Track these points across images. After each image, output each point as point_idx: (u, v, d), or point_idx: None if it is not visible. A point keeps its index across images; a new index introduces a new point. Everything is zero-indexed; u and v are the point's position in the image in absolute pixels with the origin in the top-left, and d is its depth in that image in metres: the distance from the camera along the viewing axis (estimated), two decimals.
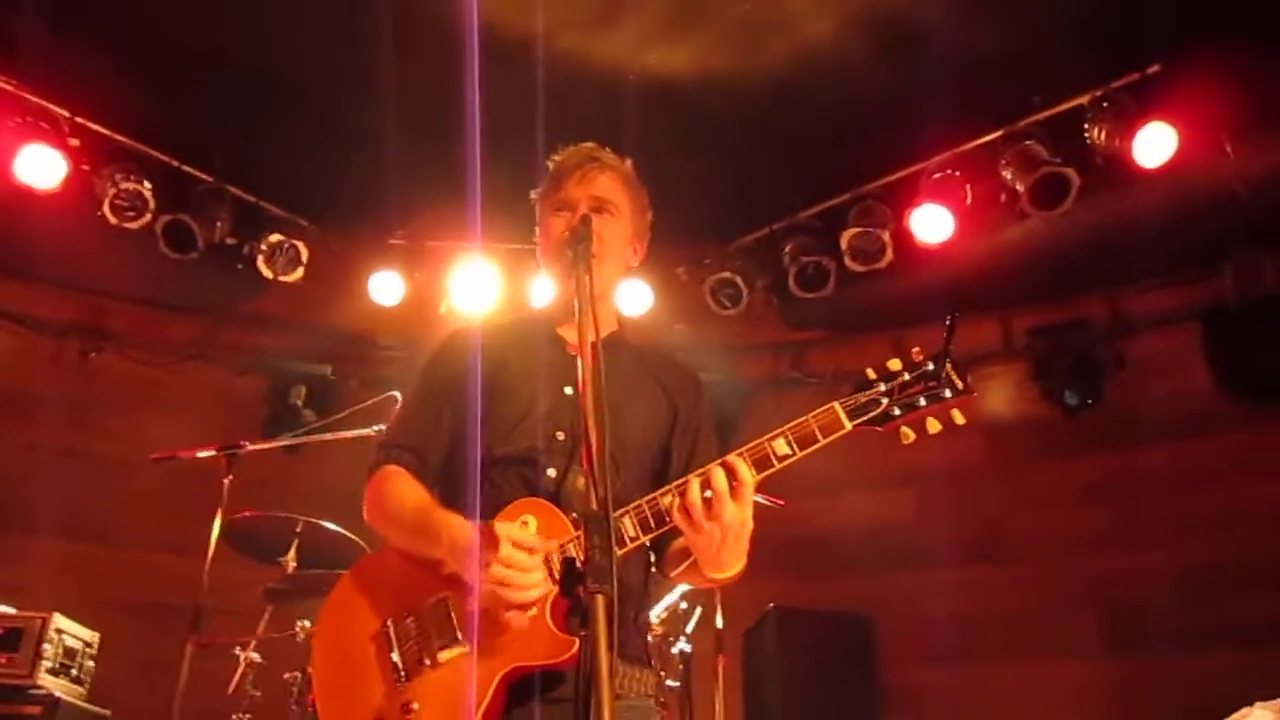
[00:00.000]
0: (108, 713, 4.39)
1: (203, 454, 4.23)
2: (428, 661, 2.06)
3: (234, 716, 4.16)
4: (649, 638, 2.29)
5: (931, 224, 5.54)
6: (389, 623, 2.14)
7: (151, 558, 5.78)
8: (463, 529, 2.06)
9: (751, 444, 2.01)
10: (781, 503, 4.27)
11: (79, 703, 4.19)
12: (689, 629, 4.70)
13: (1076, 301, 6.09)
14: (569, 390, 2.23)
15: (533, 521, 2.05)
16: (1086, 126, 5.10)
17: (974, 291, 5.81)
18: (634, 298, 6.04)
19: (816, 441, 2.00)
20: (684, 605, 4.67)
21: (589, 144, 2.47)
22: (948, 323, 2.01)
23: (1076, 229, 5.40)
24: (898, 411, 2.02)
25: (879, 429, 2.04)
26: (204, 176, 5.81)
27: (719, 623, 4.50)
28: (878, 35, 5.00)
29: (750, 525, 1.98)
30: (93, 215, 5.55)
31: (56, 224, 5.63)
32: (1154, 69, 4.95)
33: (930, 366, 2.02)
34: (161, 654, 4.11)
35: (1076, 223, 5.33)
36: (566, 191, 2.37)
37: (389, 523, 2.25)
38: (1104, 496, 5.67)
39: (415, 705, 2.04)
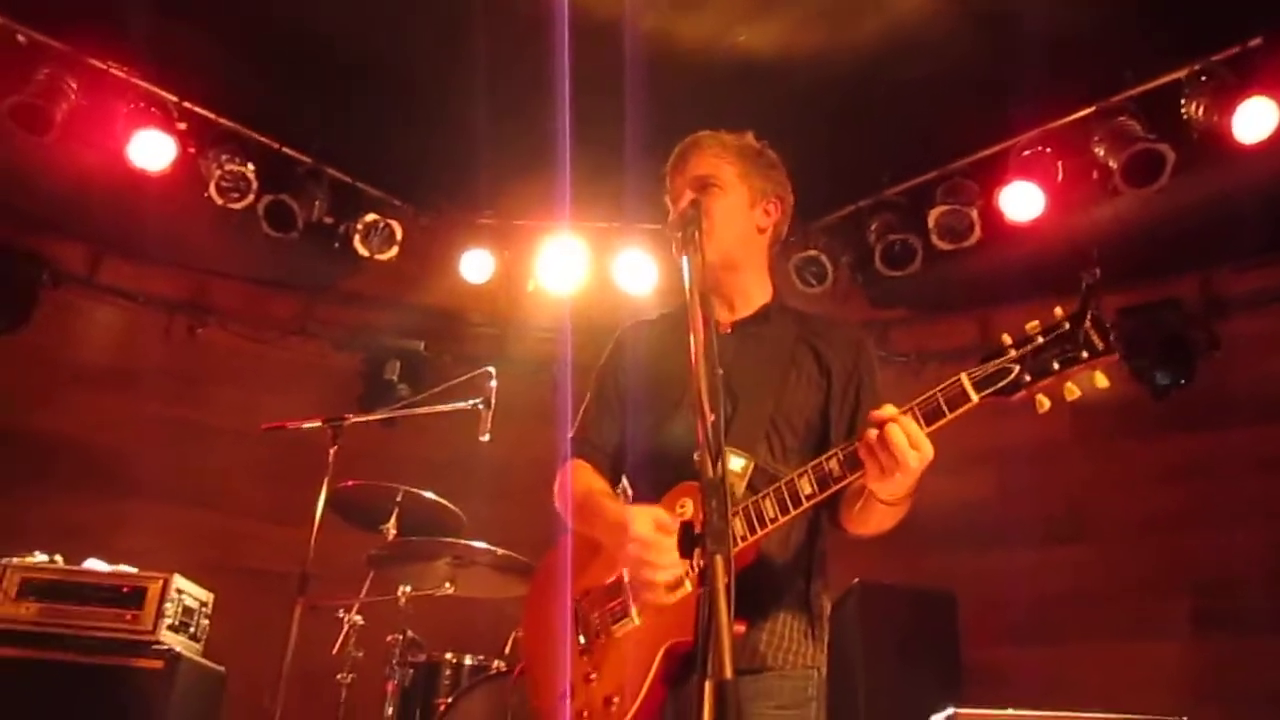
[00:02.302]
0: (223, 668, 4.63)
1: (309, 425, 4.40)
2: (604, 636, 2.22)
3: (338, 675, 4.36)
4: (821, 613, 2.30)
5: (1021, 201, 5.47)
6: (576, 599, 2.31)
7: (258, 526, 6.05)
8: (618, 512, 2.20)
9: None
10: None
11: (197, 658, 4.44)
12: None
13: (1169, 281, 5.97)
14: (720, 371, 2.26)
15: (690, 504, 2.12)
16: (1183, 102, 4.97)
17: (1063, 270, 5.73)
18: None
19: (943, 416, 1.92)
20: None
21: (704, 131, 2.51)
22: (1086, 284, 1.87)
23: (1170, 207, 5.29)
24: (1028, 378, 1.86)
25: (1009, 398, 1.90)
26: (303, 158, 6.00)
27: None
28: (969, 10, 4.95)
29: (931, 456, 1.93)
30: (199, 196, 5.75)
31: (166, 205, 5.88)
32: (1255, 42, 4.81)
33: (1067, 327, 1.85)
34: (270, 616, 4.28)
35: (1170, 200, 5.22)
36: (671, 183, 2.46)
37: (566, 508, 2.41)
38: (1192, 476, 5.58)
39: (594, 676, 2.20)
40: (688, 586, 2.04)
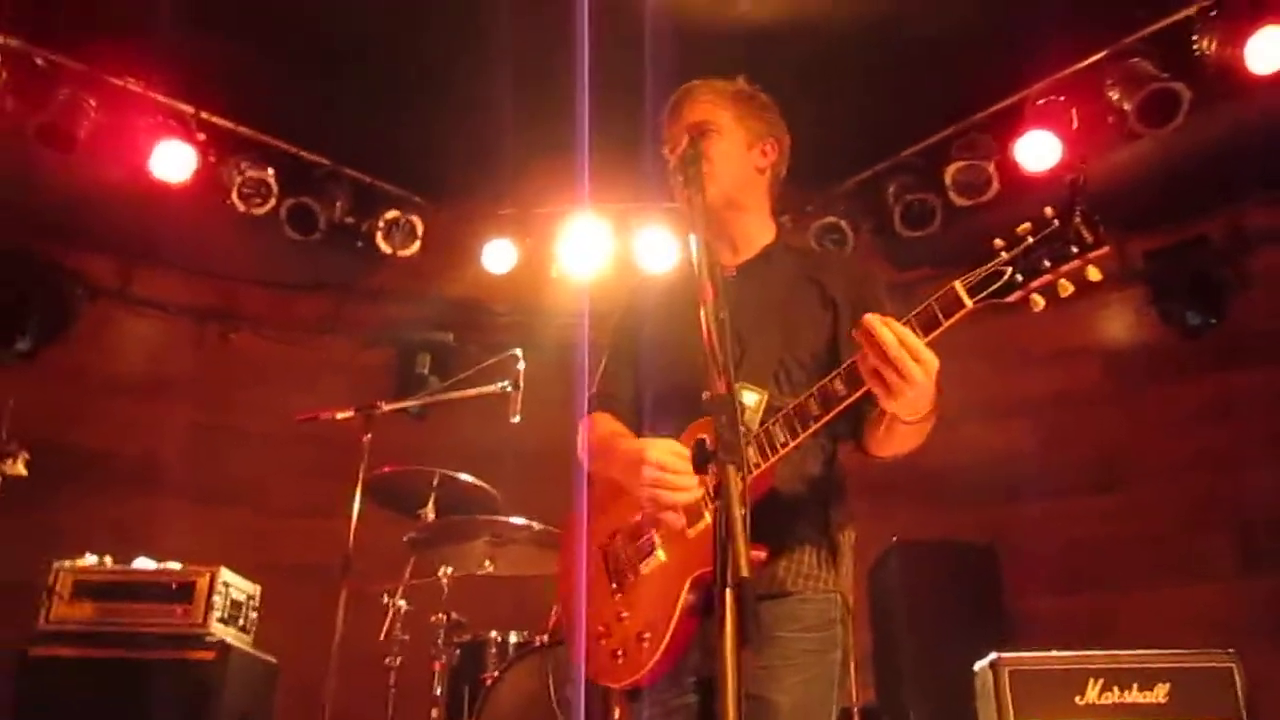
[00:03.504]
0: (273, 659, 4.72)
1: (342, 415, 4.47)
2: (632, 575, 2.26)
3: (386, 659, 4.42)
4: (841, 545, 2.31)
5: (1037, 151, 5.44)
6: (603, 543, 2.35)
7: (298, 521, 6.15)
8: (634, 447, 2.24)
9: None
10: None
11: (248, 649, 4.53)
12: None
13: (1193, 221, 5.91)
14: (724, 314, 2.28)
15: (707, 438, 2.15)
16: (1195, 38, 4.94)
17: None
18: None
19: (939, 324, 1.90)
20: None
21: (694, 80, 2.54)
22: (1072, 181, 1.87)
23: (1189, 146, 5.25)
24: (1021, 278, 1.84)
25: (1005, 300, 1.87)
26: (321, 160, 6.08)
27: None
28: None
29: (935, 365, 1.90)
30: (221, 204, 5.84)
31: (189, 214, 5.99)
32: None
33: (1056, 225, 1.82)
34: (315, 608, 4.35)
35: (1189, 139, 5.17)
36: (669, 131, 2.49)
37: (590, 455, 2.47)
38: (1226, 416, 5.54)
39: (625, 614, 2.24)
40: (708, 518, 2.06)
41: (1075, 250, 1.81)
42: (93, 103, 5.40)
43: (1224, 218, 5.87)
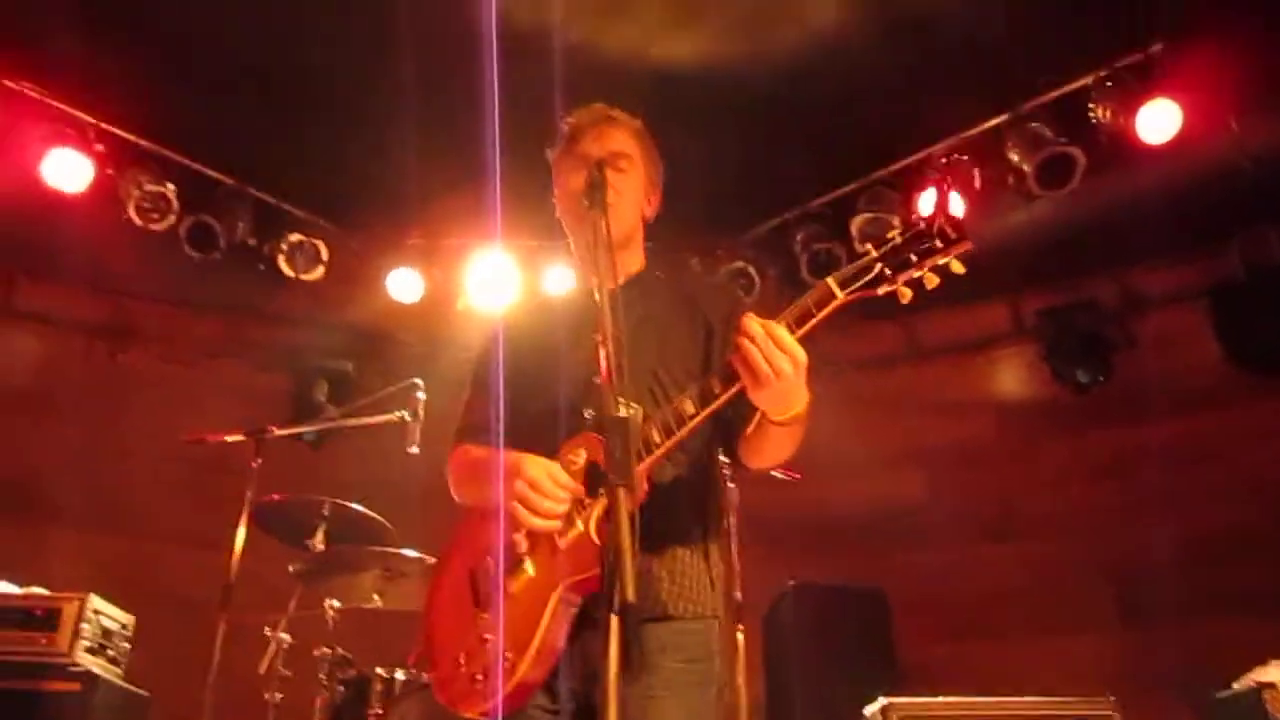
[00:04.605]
0: (145, 692, 4.49)
1: (231, 438, 4.33)
2: (500, 595, 2.20)
3: (266, 695, 4.26)
4: (717, 564, 2.34)
5: (941, 207, 5.61)
6: (471, 568, 2.30)
7: (181, 550, 5.91)
8: (509, 463, 2.20)
9: None
10: (797, 476, 4.34)
11: (117, 681, 4.30)
12: None
13: (1086, 281, 6.16)
14: (598, 336, 2.32)
15: (583, 453, 2.15)
16: (1091, 106, 5.16)
17: (983, 274, 5.86)
18: None
19: (813, 316, 2.00)
20: None
21: (601, 104, 2.58)
22: (937, 189, 2.08)
23: (1084, 209, 5.46)
24: (889, 272, 2.01)
25: (875, 292, 2.02)
26: (225, 178, 5.93)
27: (738, 595, 4.56)
28: (884, 21, 5.06)
29: (804, 360, 1.99)
30: (118, 218, 5.66)
31: (83, 227, 5.76)
32: (1156, 47, 5.00)
33: (922, 226, 2.02)
34: (193, 640, 4.18)
35: (1083, 203, 5.38)
36: (583, 148, 2.47)
37: (461, 486, 2.44)
38: (1116, 472, 5.74)
39: (489, 636, 2.17)
40: (579, 526, 2.07)
41: (940, 245, 1.99)
42: None
43: (1114, 280, 6.11)
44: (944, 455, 5.92)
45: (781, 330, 1.97)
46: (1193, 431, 5.56)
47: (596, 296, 2.33)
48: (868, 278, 2.00)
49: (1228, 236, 5.75)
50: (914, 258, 2.00)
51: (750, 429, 2.20)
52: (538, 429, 2.29)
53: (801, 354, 1.97)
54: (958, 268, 2.00)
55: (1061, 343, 6.06)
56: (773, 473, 4.50)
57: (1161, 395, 5.63)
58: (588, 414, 2.21)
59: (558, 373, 2.31)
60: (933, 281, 2.00)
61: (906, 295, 2.01)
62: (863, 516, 5.96)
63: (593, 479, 1.61)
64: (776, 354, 1.94)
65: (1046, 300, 6.19)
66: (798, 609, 5.15)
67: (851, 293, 2.01)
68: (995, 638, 5.73)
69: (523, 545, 2.17)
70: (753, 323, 1.97)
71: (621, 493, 1.49)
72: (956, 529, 5.99)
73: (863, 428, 6.32)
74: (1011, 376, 6.30)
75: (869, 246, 2.05)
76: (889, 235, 2.03)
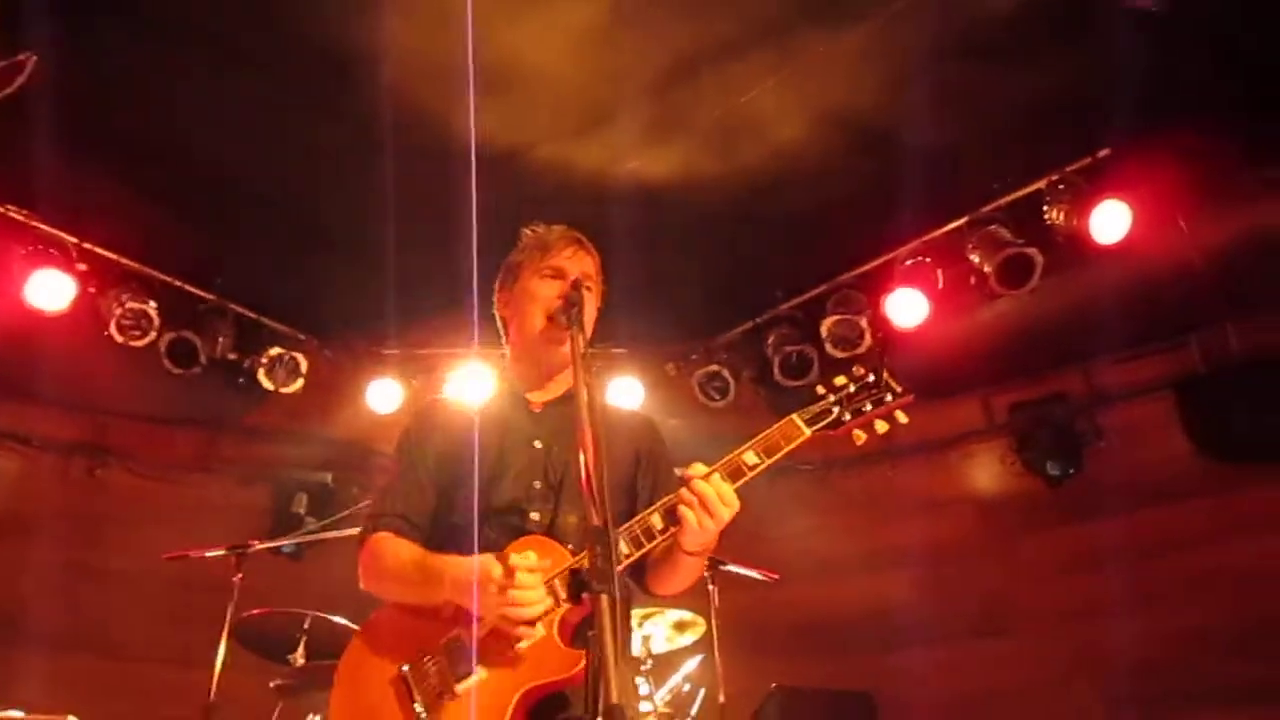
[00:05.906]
0: None
1: (212, 553, 4.33)
2: (447, 696, 2.19)
3: None
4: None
5: (906, 308, 5.75)
6: (406, 669, 2.27)
7: (161, 669, 5.81)
8: (463, 565, 2.23)
9: (725, 459, 2.29)
10: (775, 575, 4.38)
11: None
12: (694, 711, 4.75)
13: (1053, 376, 6.30)
14: (538, 444, 2.49)
15: (532, 555, 2.21)
16: (1045, 208, 5.36)
17: (952, 372, 6.01)
18: (626, 393, 6.23)
19: (781, 449, 2.30)
20: (687, 687, 4.73)
21: (565, 226, 2.72)
22: (874, 348, 2.35)
23: (1045, 306, 5.63)
24: (848, 417, 2.37)
25: (834, 433, 2.37)
26: (206, 295, 6.03)
27: (721, 698, 4.55)
28: (845, 134, 5.25)
29: (737, 508, 2.24)
30: (99, 335, 5.72)
31: (63, 345, 5.80)
32: (1104, 152, 5.24)
33: (871, 378, 2.40)
34: None
35: (1044, 300, 5.55)
36: (560, 261, 2.60)
37: (389, 580, 2.41)
38: (1091, 565, 5.77)
39: None
40: (539, 631, 2.15)
41: (889, 398, 2.38)
42: None
43: (1079, 374, 6.25)
44: (927, 555, 5.96)
45: (725, 487, 2.23)
46: (1162, 521, 5.63)
47: (530, 405, 2.58)
48: (829, 419, 2.36)
49: (1187, 330, 5.91)
50: (868, 406, 2.38)
51: (665, 565, 2.37)
52: (463, 527, 2.33)
53: (737, 504, 2.24)
54: (902, 418, 2.38)
55: (1033, 436, 6.17)
56: (751, 574, 4.56)
57: (1131, 487, 5.72)
58: (534, 517, 2.34)
59: (489, 475, 2.39)
60: (883, 427, 2.38)
61: (861, 438, 2.37)
62: (847, 617, 5.96)
63: (575, 585, 1.68)
64: (720, 506, 2.21)
65: (1016, 395, 6.32)
66: (782, 712, 5.10)
67: (816, 430, 2.34)
68: None
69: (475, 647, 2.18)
70: (700, 485, 2.21)
71: (605, 600, 1.55)
72: (941, 628, 5.98)
73: (843, 527, 6.38)
74: (986, 472, 6.39)
75: (825, 391, 2.39)
76: (839, 384, 2.39)
